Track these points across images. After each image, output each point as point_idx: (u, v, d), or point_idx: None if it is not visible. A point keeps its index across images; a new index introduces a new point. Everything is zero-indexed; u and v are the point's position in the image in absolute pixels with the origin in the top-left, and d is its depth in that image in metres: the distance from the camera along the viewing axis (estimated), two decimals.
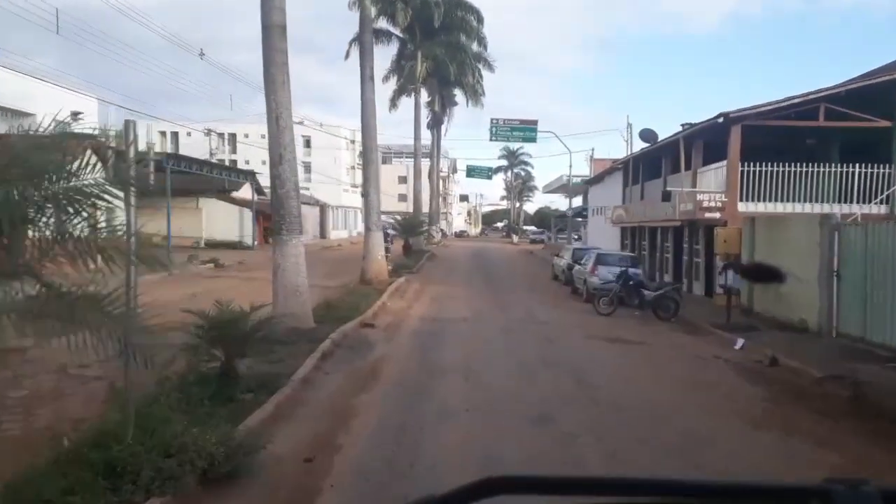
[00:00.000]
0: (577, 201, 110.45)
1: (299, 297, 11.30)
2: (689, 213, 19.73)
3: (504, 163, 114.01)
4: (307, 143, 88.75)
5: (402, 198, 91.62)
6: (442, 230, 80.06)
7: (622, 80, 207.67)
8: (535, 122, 39.00)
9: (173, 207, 40.48)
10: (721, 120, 18.26)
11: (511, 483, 1.01)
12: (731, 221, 18.91)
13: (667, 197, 19.77)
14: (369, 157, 20.90)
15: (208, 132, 67.19)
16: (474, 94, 56.47)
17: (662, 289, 17.46)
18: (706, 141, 21.70)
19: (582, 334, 14.25)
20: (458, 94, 60.99)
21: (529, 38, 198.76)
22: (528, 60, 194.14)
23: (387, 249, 23.03)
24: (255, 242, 43.21)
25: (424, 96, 60.24)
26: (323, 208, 60.67)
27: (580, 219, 73.01)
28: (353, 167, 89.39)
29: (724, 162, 19.76)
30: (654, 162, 26.26)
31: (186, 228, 40.08)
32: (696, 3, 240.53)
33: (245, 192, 42.76)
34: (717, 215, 19.06)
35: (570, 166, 38.54)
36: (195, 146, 73.97)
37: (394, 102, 55.08)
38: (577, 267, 22.38)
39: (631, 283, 17.43)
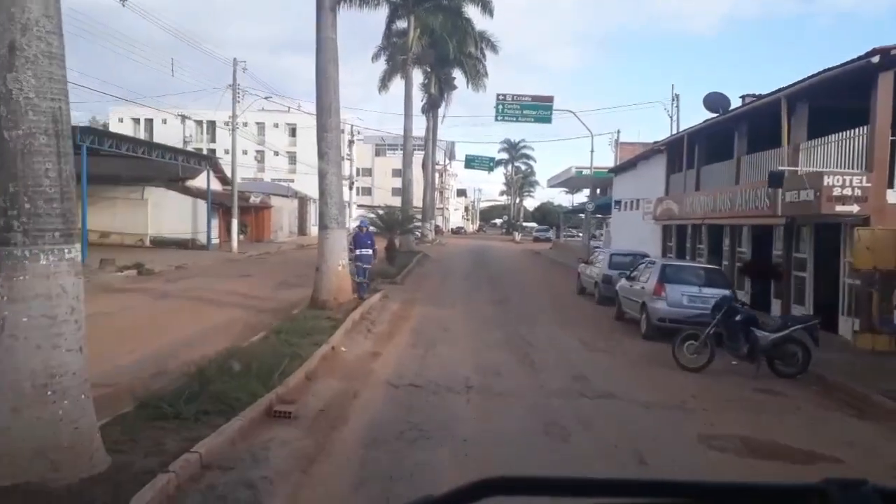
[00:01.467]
0: (581, 197, 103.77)
1: (52, 406, 4.44)
2: (806, 205, 13.02)
3: (505, 156, 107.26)
4: (292, 132, 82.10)
5: (397, 192, 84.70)
6: (437, 226, 73.31)
7: (625, 79, 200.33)
8: (549, 99, 32.25)
9: (114, 198, 33.71)
10: (876, 59, 11.52)
11: (508, 484, 1.00)
12: (878, 218, 12.27)
13: (777, 181, 13.00)
14: (326, 121, 14.13)
15: (183, 118, 60.48)
16: (476, 75, 49.72)
17: (788, 327, 10.73)
18: (813, 105, 15.05)
19: (690, 432, 7.51)
20: (458, 78, 54.34)
21: (529, 37, 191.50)
22: (527, 60, 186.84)
23: (363, 258, 16.05)
24: (216, 240, 36.48)
25: (420, 77, 53.60)
26: (303, 201, 53.64)
27: (596, 215, 66.35)
28: (342, 157, 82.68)
29: (858, 130, 13.09)
30: (720, 139, 19.57)
31: (131, 223, 33.44)
32: (695, 3, 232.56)
33: (203, 180, 36.01)
34: (855, 208, 12.37)
35: (592, 151, 32.13)
36: (172, 134, 67.39)
37: (384, 83, 48.29)
38: (623, 282, 15.70)
39: (738, 318, 10.72)
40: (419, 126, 52.36)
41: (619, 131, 33.32)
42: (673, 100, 29.06)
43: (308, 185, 69.53)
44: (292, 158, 79.18)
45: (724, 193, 17.53)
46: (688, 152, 21.13)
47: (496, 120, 32.00)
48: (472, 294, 20.22)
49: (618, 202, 26.78)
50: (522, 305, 17.99)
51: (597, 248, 33.93)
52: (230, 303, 16.40)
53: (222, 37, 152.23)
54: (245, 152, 79.52)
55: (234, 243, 33.11)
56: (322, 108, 14.23)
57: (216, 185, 39.80)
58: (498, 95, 32.11)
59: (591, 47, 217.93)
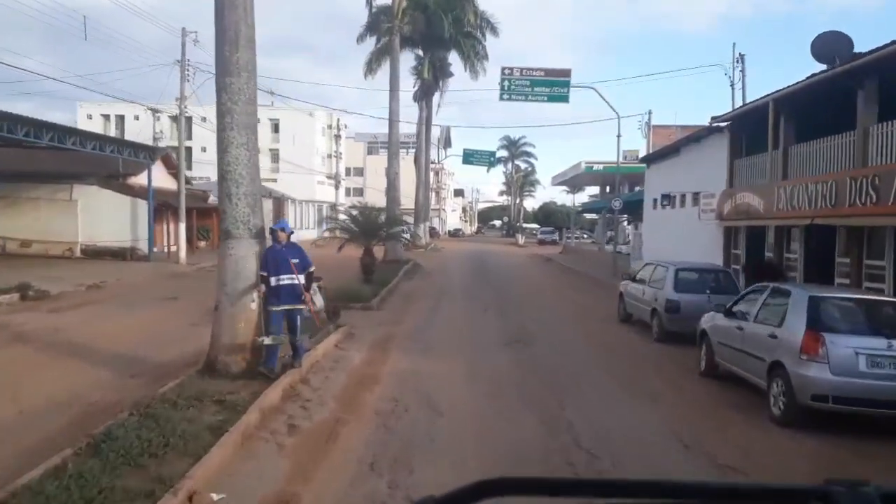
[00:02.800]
0: (583, 197, 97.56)
1: None
2: None
3: (504, 154, 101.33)
4: (275, 128, 76.21)
5: None
6: (432, 229, 67.39)
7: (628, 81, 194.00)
8: (566, 73, 26.43)
9: (36, 199, 27.89)
10: None
11: (507, 485, 1.00)
12: None
13: None
14: (230, 57, 8.29)
15: (154, 112, 54.65)
16: (475, 56, 43.97)
17: None
18: None
19: None
20: (454, 63, 48.73)
21: (527, 38, 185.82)
22: (525, 61, 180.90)
23: (284, 294, 8.57)
24: (169, 248, 30.63)
25: (412, 61, 47.94)
26: (279, 202, 47.54)
27: (600, 215, 60.23)
28: (330, 155, 76.73)
29: None
30: (825, 105, 13.83)
31: (57, 230, 27.56)
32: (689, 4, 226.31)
33: (153, 176, 30.11)
34: None
35: (619, 136, 26.05)
36: (145, 131, 61.76)
37: (371, 67, 42.52)
38: (717, 319, 9.99)
39: None
40: (409, 105, 46.52)
41: (650, 112, 27.45)
42: (735, 63, 22.89)
43: (291, 184, 63.76)
44: (274, 156, 73.39)
45: (857, 180, 11.71)
46: (773, 126, 15.33)
47: (501, 99, 26.26)
48: (477, 326, 14.39)
49: (668, 197, 20.76)
50: (552, 348, 12.14)
51: (620, 252, 28.20)
52: (105, 353, 10.61)
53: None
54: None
55: (182, 252, 27.24)
56: (223, 35, 8.38)
57: (170, 184, 33.97)
58: (504, 69, 26.29)
59: (591, 50, 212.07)
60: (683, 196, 21.80)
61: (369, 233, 19.41)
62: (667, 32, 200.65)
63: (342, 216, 20.01)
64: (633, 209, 29.14)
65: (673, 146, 23.06)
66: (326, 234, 20.04)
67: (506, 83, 26.25)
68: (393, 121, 29.74)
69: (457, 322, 14.87)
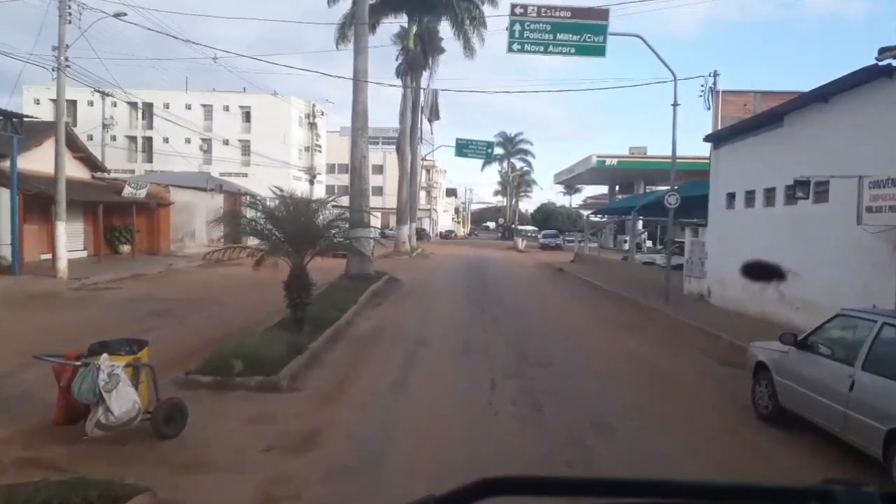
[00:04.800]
0: (578, 199, 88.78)
1: None
2: None
3: (500, 151, 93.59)
4: (247, 117, 68.23)
5: (377, 191, 70.01)
6: (421, 230, 59.49)
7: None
8: (603, 15, 18.69)
9: None
10: None
11: (509, 483, 0.99)
12: None
13: None
14: None
15: (103, 95, 46.56)
16: (470, 21, 36.35)
17: None
18: None
19: None
20: (445, 40, 41.20)
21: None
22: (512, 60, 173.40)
23: None
24: (86, 254, 22.72)
25: (394, 28, 40.37)
26: (233, 196, 39.17)
27: (604, 217, 52.53)
28: (307, 148, 68.79)
29: None
30: None
31: None
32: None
33: (40, 159, 22.23)
34: None
35: (675, 105, 18.35)
36: (99, 119, 53.81)
37: (343, 33, 34.95)
38: None
39: None
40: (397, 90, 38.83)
41: (716, 73, 19.64)
42: None
43: (264, 180, 55.72)
44: (245, 148, 65.39)
45: None
46: None
47: (510, 49, 18.51)
48: (487, 457, 6.56)
49: (804, 185, 12.51)
50: None
51: (653, 263, 20.53)
52: None
53: (208, 36, 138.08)
54: (188, 141, 65.78)
55: (62, 263, 19.32)
56: None
57: (80, 172, 26.16)
58: (514, 7, 18.42)
59: None
60: (791, 187, 14.03)
61: (299, 239, 11.58)
62: (661, 35, 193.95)
63: (251, 212, 12.29)
64: (693, 208, 21.38)
65: (771, 112, 15.34)
66: (223, 242, 12.15)
67: (516, 28, 18.49)
68: (358, 83, 21.84)
69: (443, 434, 7.05)
